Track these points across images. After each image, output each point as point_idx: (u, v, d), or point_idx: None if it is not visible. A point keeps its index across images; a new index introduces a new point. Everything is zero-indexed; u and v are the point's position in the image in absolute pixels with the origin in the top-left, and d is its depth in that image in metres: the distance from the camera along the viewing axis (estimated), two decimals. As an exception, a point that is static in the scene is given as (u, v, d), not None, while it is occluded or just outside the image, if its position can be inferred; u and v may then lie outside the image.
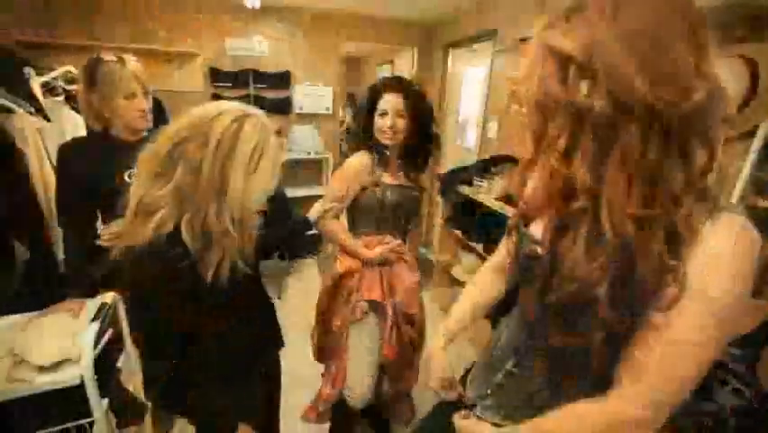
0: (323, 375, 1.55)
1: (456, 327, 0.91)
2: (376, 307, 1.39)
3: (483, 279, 0.92)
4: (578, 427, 0.57)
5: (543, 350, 0.65)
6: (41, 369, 1.04)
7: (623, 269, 0.47)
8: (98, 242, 0.93)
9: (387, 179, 1.37)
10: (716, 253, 0.46)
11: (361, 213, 1.42)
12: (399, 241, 1.45)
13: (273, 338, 1.18)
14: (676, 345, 0.48)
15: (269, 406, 1.22)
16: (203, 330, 0.88)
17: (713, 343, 0.48)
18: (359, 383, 1.40)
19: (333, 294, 1.44)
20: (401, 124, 1.32)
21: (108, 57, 1.21)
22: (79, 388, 1.04)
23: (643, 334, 0.50)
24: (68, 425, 1.15)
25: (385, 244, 1.40)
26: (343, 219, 1.50)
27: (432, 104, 1.43)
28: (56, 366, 1.05)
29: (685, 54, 0.43)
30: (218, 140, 0.72)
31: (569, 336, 0.55)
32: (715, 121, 0.45)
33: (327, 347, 1.50)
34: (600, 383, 0.56)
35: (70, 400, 1.09)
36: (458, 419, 0.74)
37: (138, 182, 0.75)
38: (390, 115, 1.30)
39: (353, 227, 1.45)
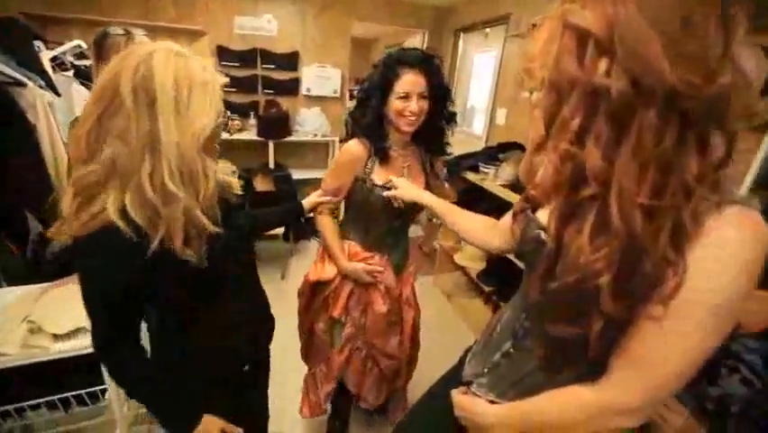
0: (305, 381, 1.52)
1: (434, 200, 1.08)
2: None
3: (479, 218, 1.01)
4: (568, 409, 0.59)
5: (540, 334, 0.66)
6: (57, 337, 1.07)
7: (628, 260, 0.46)
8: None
9: (378, 177, 1.21)
10: (719, 246, 0.44)
11: (352, 208, 1.32)
12: (381, 261, 1.32)
13: (266, 334, 1.07)
14: (671, 337, 0.48)
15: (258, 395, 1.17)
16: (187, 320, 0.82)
17: (709, 337, 0.48)
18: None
19: (311, 301, 1.39)
20: (425, 106, 1.14)
21: (115, 31, 1.20)
22: (93, 355, 1.08)
23: (639, 324, 0.50)
24: (81, 391, 1.20)
25: (367, 261, 1.30)
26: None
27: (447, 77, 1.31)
28: (71, 335, 1.08)
29: (715, 34, 0.40)
30: (132, 92, 0.62)
31: (567, 323, 0.55)
32: (736, 110, 0.42)
33: (313, 350, 1.47)
34: (595, 370, 0.57)
35: (84, 368, 1.13)
36: (455, 395, 0.77)
37: (74, 173, 0.66)
38: (415, 99, 1.11)
39: (345, 225, 1.37)
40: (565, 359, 0.61)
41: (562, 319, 0.55)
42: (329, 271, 1.32)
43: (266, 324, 1.05)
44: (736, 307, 0.46)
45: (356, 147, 1.20)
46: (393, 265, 1.36)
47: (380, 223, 1.29)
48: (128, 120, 0.62)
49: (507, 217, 0.86)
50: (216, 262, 0.74)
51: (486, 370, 0.76)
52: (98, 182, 0.64)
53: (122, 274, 0.67)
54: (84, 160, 0.65)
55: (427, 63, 1.14)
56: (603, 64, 0.42)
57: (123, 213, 0.63)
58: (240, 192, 0.89)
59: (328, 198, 1.28)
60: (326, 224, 1.31)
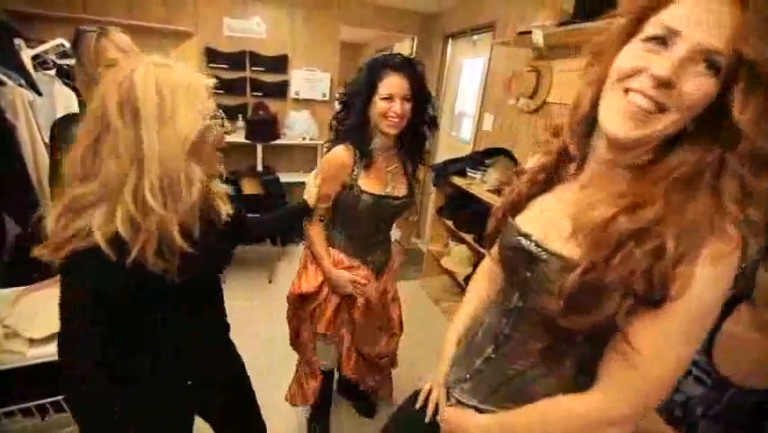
0: (296, 369, 1.58)
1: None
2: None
3: (479, 286, 0.89)
4: (559, 421, 0.58)
5: (520, 339, 0.67)
6: (33, 342, 1.05)
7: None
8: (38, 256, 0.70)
9: (364, 183, 1.21)
10: (713, 262, 0.47)
11: (338, 214, 1.32)
12: (366, 273, 1.34)
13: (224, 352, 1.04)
14: (661, 345, 0.49)
15: (242, 403, 1.13)
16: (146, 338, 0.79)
17: (694, 342, 0.50)
18: (329, 362, 1.48)
19: (298, 311, 1.41)
20: (408, 108, 1.16)
21: (89, 29, 1.17)
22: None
23: (628, 333, 0.51)
24: (59, 397, 1.16)
25: (352, 272, 1.31)
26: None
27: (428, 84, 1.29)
28: (48, 340, 1.06)
29: None
30: (117, 107, 0.63)
31: (550, 332, 0.55)
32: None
33: (300, 348, 1.51)
34: (577, 376, 0.58)
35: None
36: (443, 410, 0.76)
37: (71, 190, 0.66)
38: (398, 101, 1.13)
39: (331, 231, 1.36)
40: (545, 363, 0.62)
41: (543, 327, 0.56)
42: (312, 281, 1.33)
43: (220, 344, 1.00)
44: (715, 312, 0.50)
45: (342, 153, 1.21)
46: (376, 266, 1.39)
47: (366, 227, 1.31)
48: (117, 136, 0.64)
49: (488, 261, 0.87)
50: (187, 278, 0.72)
51: (468, 376, 0.75)
52: (94, 202, 0.65)
53: (101, 291, 0.67)
54: (81, 178, 0.66)
55: (410, 67, 1.16)
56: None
57: (109, 230, 0.64)
58: (226, 220, 0.87)
59: (320, 204, 1.28)
60: (316, 230, 1.32)
